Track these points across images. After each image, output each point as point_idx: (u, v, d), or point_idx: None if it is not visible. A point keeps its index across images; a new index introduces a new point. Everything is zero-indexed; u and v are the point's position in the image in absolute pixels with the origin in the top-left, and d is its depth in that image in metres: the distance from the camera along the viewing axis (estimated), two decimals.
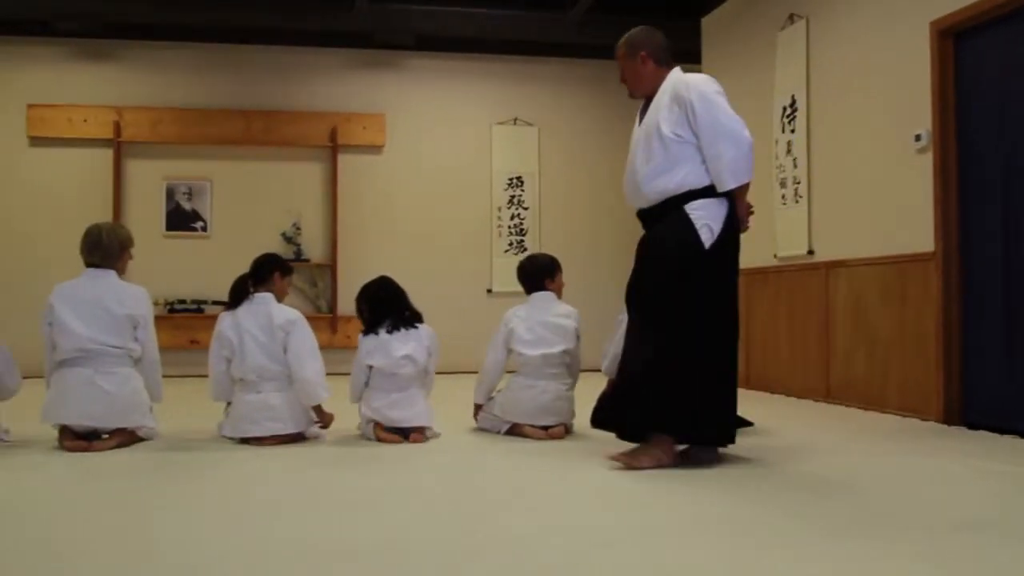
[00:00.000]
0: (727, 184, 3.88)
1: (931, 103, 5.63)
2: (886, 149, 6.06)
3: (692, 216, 3.91)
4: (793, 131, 7.11)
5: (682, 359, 3.87)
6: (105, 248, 4.66)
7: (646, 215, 4.13)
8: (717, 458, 4.08)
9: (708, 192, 3.93)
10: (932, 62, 5.63)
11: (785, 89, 7.23)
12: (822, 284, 6.71)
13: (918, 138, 5.70)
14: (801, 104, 7.01)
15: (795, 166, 7.08)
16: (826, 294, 6.66)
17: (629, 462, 3.87)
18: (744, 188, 3.96)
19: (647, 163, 4.03)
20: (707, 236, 3.88)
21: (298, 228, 9.46)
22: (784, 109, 7.23)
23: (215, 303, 9.07)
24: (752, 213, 4.07)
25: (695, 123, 3.91)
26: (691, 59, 9.10)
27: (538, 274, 5.17)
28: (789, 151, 7.16)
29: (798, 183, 7.03)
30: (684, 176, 3.93)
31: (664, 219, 4.00)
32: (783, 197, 7.22)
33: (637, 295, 4.06)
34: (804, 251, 6.93)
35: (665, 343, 3.90)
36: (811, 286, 6.86)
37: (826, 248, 6.72)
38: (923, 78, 5.70)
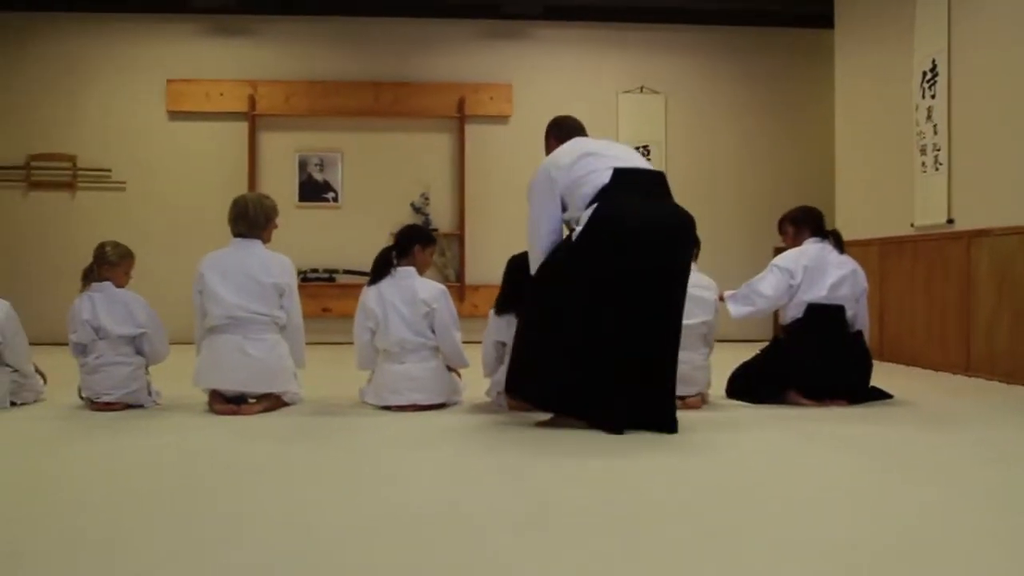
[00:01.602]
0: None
1: None
2: None
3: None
4: (934, 96, 6.88)
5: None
6: (251, 218, 4.81)
7: None
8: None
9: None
10: None
11: (925, 53, 6.99)
12: (963, 254, 6.50)
13: None
14: (942, 68, 6.78)
15: (935, 132, 6.86)
16: (967, 264, 6.45)
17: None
18: None
19: None
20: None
21: (426, 198, 9.59)
22: (924, 74, 7.00)
23: (347, 272, 9.30)
24: None
25: None
26: (824, 23, 8.90)
27: None
28: (929, 117, 6.93)
29: (938, 150, 6.81)
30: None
31: None
32: (923, 164, 7.01)
33: None
34: (943, 220, 6.72)
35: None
36: (951, 256, 6.65)
37: (968, 217, 6.51)
38: None
